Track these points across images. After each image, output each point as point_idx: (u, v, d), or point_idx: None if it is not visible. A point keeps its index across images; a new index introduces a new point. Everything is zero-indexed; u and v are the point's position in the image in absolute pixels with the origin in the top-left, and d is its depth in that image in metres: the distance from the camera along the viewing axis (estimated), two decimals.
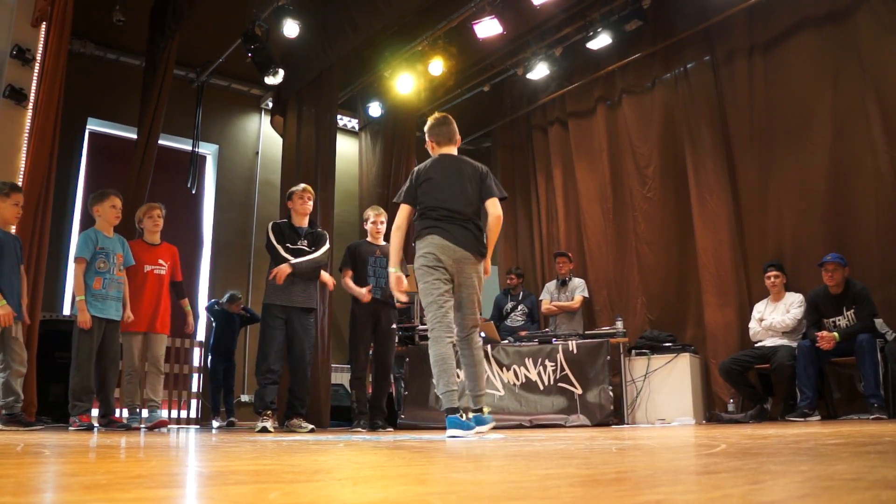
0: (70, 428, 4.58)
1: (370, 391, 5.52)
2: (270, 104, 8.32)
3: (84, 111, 7.37)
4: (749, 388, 5.69)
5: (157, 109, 6.59)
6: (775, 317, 5.75)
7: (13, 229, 4.76)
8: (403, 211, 3.53)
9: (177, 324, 5.48)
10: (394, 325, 5.52)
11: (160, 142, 6.79)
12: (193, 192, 8.04)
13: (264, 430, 4.58)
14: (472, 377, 3.38)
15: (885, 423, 4.13)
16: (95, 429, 4.63)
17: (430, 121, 3.77)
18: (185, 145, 8.05)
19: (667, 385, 5.92)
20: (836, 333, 5.18)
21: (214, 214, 8.24)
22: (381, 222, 5.62)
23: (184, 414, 6.80)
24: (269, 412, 4.70)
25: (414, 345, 6.32)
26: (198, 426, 6.66)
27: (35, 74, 5.72)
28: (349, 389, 5.79)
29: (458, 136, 3.75)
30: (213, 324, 7.01)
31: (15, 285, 4.51)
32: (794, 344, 5.49)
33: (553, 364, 5.70)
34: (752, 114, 6.60)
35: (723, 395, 6.14)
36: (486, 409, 3.39)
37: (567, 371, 5.66)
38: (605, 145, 7.86)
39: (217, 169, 8.37)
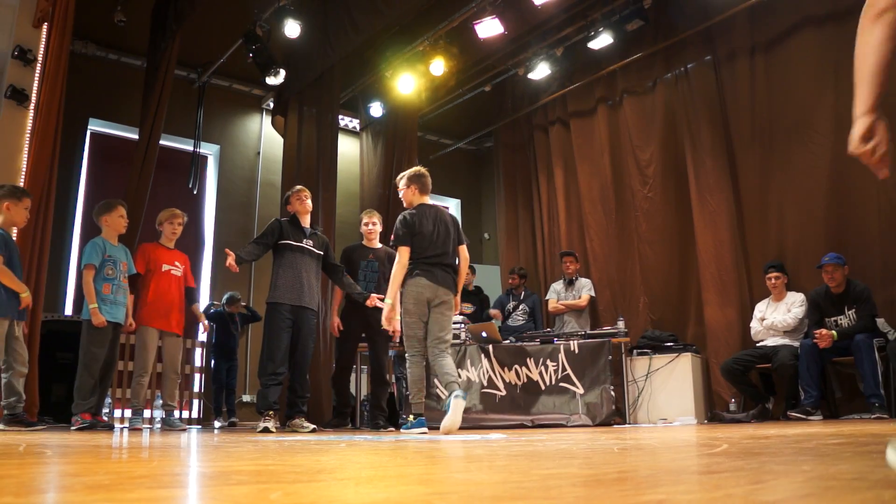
0: (72, 427, 4.60)
1: (367, 391, 5.55)
2: (272, 104, 8.33)
3: (85, 111, 7.37)
4: (751, 387, 5.69)
5: (158, 110, 6.60)
6: (776, 316, 5.75)
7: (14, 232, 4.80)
8: (405, 253, 4.27)
9: (186, 328, 5.53)
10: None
11: (161, 142, 6.80)
12: (195, 192, 8.04)
13: (266, 430, 4.58)
14: (443, 374, 4.19)
15: (886, 423, 4.13)
16: (98, 426, 4.66)
17: (414, 171, 4.52)
18: (186, 146, 8.05)
19: (668, 385, 5.92)
20: (834, 332, 5.17)
21: (216, 215, 8.25)
22: (374, 223, 5.65)
23: (186, 414, 6.81)
24: (271, 412, 4.70)
25: None
26: (199, 426, 6.67)
27: (36, 75, 5.73)
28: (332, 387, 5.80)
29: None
30: (214, 327, 7.04)
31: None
32: (796, 343, 5.49)
33: (555, 364, 5.70)
34: (754, 114, 6.60)
35: (724, 394, 6.14)
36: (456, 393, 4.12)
37: (569, 371, 5.65)
38: (606, 145, 7.85)
39: (218, 169, 8.38)
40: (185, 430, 5.17)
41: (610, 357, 5.64)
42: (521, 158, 9.11)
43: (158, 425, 5.57)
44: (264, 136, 8.65)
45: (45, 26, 5.79)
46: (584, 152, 8.13)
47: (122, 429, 5.02)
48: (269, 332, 4.87)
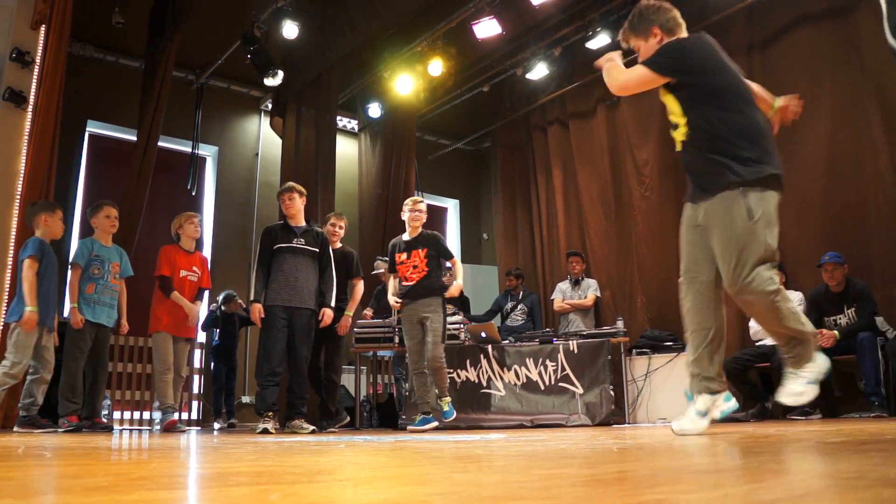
0: (59, 429, 4.59)
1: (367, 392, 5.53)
2: (270, 105, 8.33)
3: (84, 113, 7.37)
4: (750, 386, 5.69)
5: (156, 111, 6.60)
6: None
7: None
8: (395, 280, 5.03)
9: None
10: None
11: (160, 143, 6.80)
12: (193, 193, 8.04)
13: (265, 431, 4.58)
14: (434, 386, 4.91)
15: (885, 421, 4.13)
16: (84, 430, 4.65)
17: (412, 202, 5.08)
18: (184, 147, 8.05)
19: (668, 384, 5.92)
20: (836, 332, 5.18)
21: (214, 216, 8.25)
22: (341, 227, 5.64)
23: (185, 416, 6.81)
24: (270, 413, 4.70)
25: None
26: (199, 427, 6.66)
27: (35, 77, 5.73)
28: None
29: None
30: (213, 330, 7.04)
31: (51, 296, 4.68)
32: None
33: (554, 364, 5.70)
34: None
35: None
36: (444, 403, 4.92)
37: (568, 371, 5.66)
38: (605, 146, 7.85)
39: (217, 170, 8.38)
40: (184, 431, 5.17)
41: (609, 357, 5.64)
42: (520, 159, 9.11)
43: (158, 427, 5.57)
44: (263, 137, 8.66)
45: (42, 28, 5.79)
46: (583, 153, 8.13)
47: (151, 430, 5.04)
48: (263, 333, 4.90)
